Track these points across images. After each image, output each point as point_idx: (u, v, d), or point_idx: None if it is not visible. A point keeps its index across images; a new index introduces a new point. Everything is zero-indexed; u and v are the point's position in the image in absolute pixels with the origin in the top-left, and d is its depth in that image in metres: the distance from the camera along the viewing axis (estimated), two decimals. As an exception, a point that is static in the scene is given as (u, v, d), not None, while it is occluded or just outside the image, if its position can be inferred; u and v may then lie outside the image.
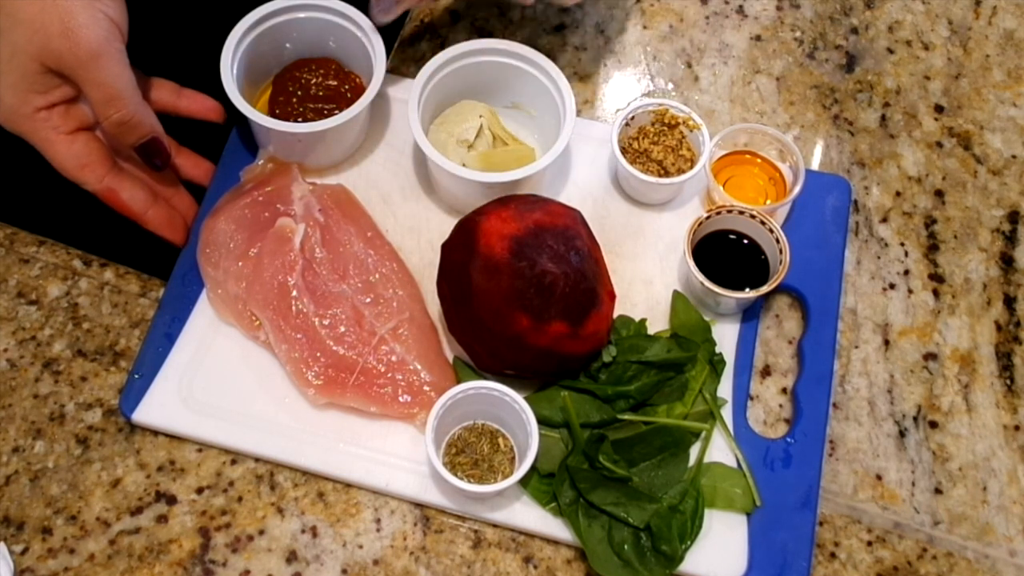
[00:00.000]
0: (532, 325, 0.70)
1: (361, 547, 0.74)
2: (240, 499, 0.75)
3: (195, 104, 0.85)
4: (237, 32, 0.82)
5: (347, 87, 0.86)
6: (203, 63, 0.82)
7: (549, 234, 0.71)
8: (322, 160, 0.85)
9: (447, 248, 0.74)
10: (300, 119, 0.83)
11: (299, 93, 0.85)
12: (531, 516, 0.74)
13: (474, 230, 0.72)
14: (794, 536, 0.73)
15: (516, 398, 0.72)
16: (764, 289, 0.77)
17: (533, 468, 0.72)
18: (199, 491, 0.75)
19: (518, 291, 0.69)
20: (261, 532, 0.74)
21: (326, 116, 0.82)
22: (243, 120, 0.82)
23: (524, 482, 0.73)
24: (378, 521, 0.75)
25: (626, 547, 0.71)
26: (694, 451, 0.75)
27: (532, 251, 0.70)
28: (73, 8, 0.70)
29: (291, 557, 0.73)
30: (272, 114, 0.83)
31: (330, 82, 0.86)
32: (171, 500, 0.75)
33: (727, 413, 0.77)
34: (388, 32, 0.85)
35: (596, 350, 0.75)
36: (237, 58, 0.81)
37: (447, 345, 0.79)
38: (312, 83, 0.86)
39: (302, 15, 0.84)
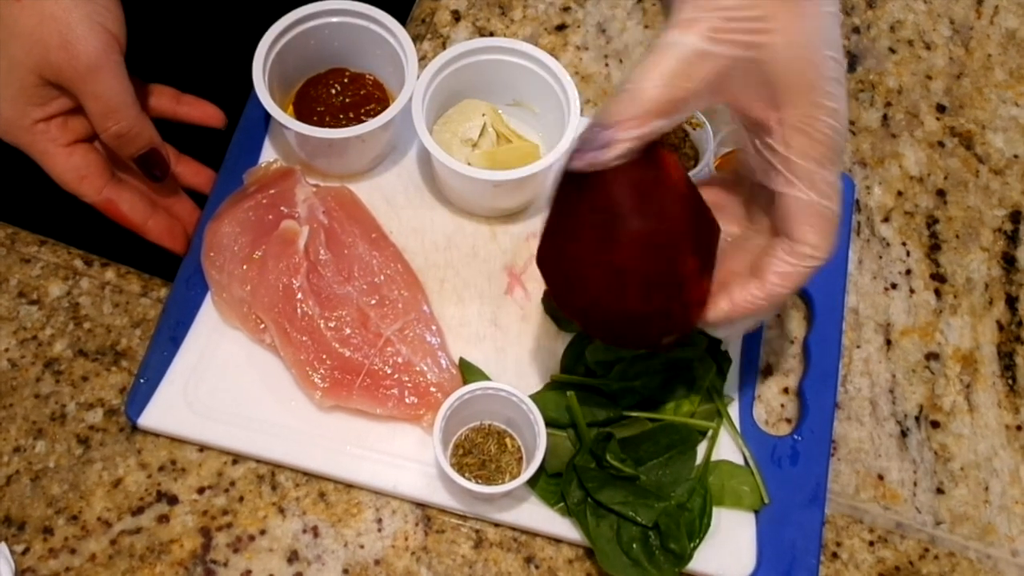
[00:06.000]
0: (697, 271, 0.60)
1: (362, 547, 0.73)
2: (241, 499, 0.75)
3: (195, 110, 0.84)
4: (269, 37, 0.80)
5: (378, 95, 0.86)
6: (203, 68, 0.81)
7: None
8: (354, 166, 0.85)
9: (618, 171, 0.58)
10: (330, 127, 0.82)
11: (325, 104, 0.84)
12: (539, 516, 0.74)
13: (656, 152, 0.60)
14: (802, 533, 0.73)
15: (523, 398, 0.72)
16: (769, 288, 0.76)
17: (541, 468, 0.72)
18: (200, 491, 0.75)
19: (695, 229, 0.60)
20: (262, 532, 0.74)
21: (354, 123, 0.82)
22: (256, 124, 0.80)
23: (532, 482, 0.73)
24: (379, 521, 0.74)
25: (635, 546, 0.70)
26: (701, 449, 0.75)
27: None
28: (71, 20, 0.70)
29: (292, 557, 0.73)
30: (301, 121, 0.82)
31: (360, 92, 0.85)
32: (172, 500, 0.74)
33: (733, 411, 0.77)
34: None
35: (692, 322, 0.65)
36: (268, 63, 0.80)
37: (452, 346, 0.79)
38: (338, 92, 0.85)
39: (335, 20, 0.83)
